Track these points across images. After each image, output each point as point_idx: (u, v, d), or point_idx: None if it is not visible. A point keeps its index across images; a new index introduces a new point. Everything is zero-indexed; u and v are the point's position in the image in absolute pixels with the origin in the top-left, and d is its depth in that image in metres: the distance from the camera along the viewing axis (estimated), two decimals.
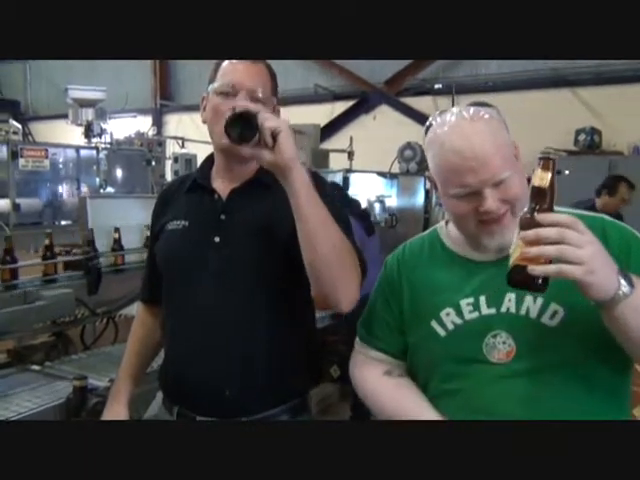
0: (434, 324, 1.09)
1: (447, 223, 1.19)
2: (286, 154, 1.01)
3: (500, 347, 1.03)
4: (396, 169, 5.43)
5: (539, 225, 0.85)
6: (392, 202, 5.48)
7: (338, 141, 7.17)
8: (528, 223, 0.87)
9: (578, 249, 0.83)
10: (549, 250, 0.84)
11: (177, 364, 1.27)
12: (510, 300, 1.04)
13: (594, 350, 0.99)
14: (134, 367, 1.44)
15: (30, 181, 5.81)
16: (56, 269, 2.26)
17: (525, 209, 0.90)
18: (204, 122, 1.28)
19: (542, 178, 0.88)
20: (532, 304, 1.02)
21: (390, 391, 1.14)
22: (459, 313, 1.08)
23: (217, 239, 1.23)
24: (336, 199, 1.25)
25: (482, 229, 1.04)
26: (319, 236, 1.05)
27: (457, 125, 1.02)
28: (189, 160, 6.60)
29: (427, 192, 5.14)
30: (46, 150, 5.85)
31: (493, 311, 1.05)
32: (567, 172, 4.34)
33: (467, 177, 1.00)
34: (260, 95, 1.21)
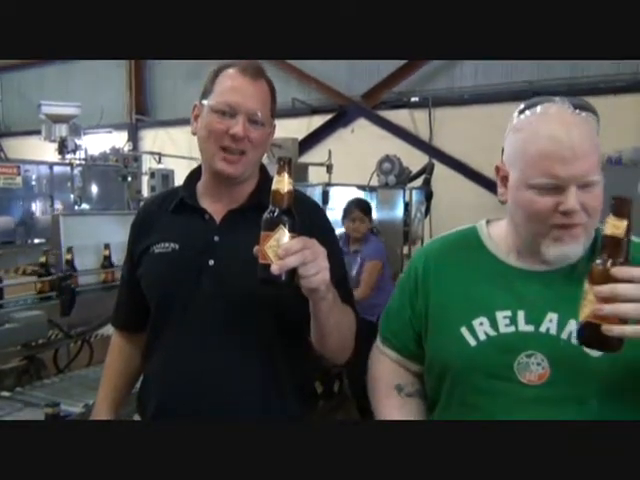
0: (464, 331, 1.01)
1: (488, 223, 1.11)
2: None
3: (533, 368, 0.96)
4: (375, 182, 5.43)
5: (614, 280, 0.77)
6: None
7: (317, 155, 7.15)
8: (601, 276, 0.78)
9: None
10: (626, 309, 0.76)
11: (167, 392, 1.20)
12: (552, 320, 0.96)
13: (636, 387, 0.92)
14: (114, 402, 1.36)
15: (2, 199, 5.69)
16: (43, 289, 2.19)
17: (598, 260, 0.81)
18: (194, 134, 1.22)
19: (616, 226, 0.78)
20: (575, 329, 0.92)
21: (393, 413, 1.11)
22: (494, 324, 1.00)
23: (211, 262, 1.17)
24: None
25: (549, 233, 0.94)
26: (332, 338, 1.11)
27: (558, 113, 0.96)
28: (166, 175, 6.49)
29: (406, 205, 5.14)
30: (18, 167, 5.76)
31: (531, 328, 0.97)
32: None
33: (557, 167, 0.91)
34: (259, 117, 1.16)
